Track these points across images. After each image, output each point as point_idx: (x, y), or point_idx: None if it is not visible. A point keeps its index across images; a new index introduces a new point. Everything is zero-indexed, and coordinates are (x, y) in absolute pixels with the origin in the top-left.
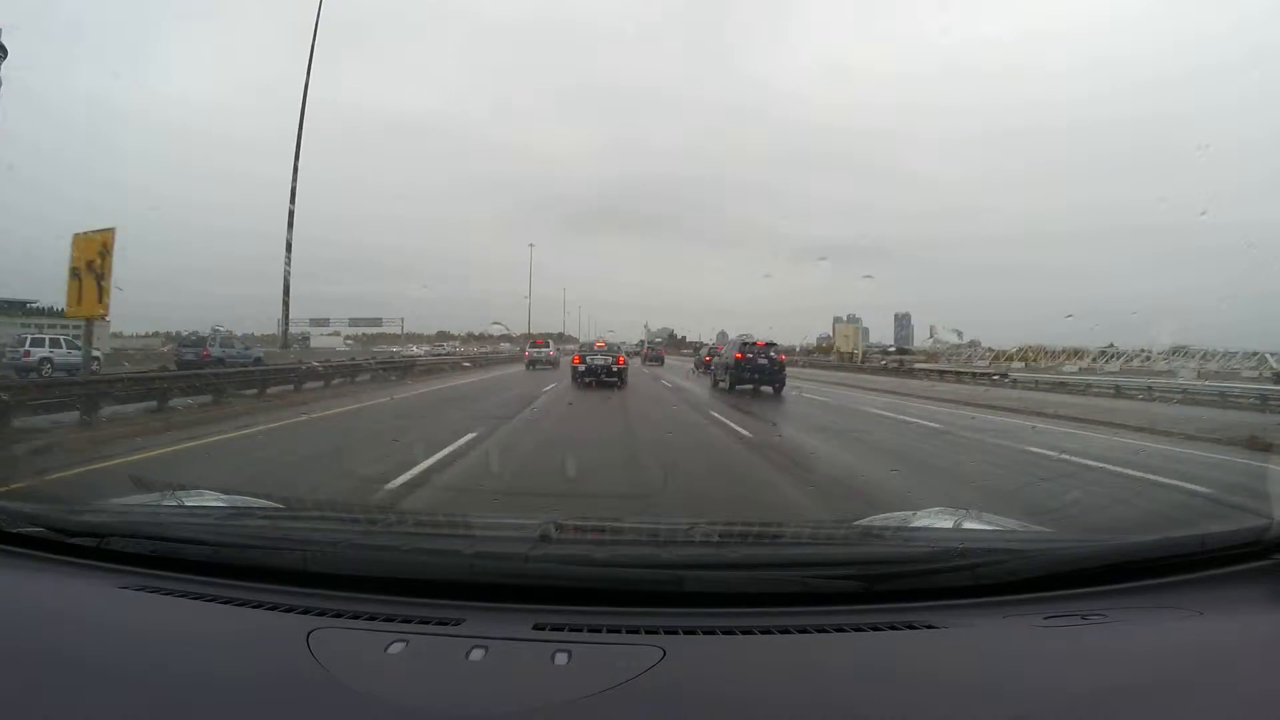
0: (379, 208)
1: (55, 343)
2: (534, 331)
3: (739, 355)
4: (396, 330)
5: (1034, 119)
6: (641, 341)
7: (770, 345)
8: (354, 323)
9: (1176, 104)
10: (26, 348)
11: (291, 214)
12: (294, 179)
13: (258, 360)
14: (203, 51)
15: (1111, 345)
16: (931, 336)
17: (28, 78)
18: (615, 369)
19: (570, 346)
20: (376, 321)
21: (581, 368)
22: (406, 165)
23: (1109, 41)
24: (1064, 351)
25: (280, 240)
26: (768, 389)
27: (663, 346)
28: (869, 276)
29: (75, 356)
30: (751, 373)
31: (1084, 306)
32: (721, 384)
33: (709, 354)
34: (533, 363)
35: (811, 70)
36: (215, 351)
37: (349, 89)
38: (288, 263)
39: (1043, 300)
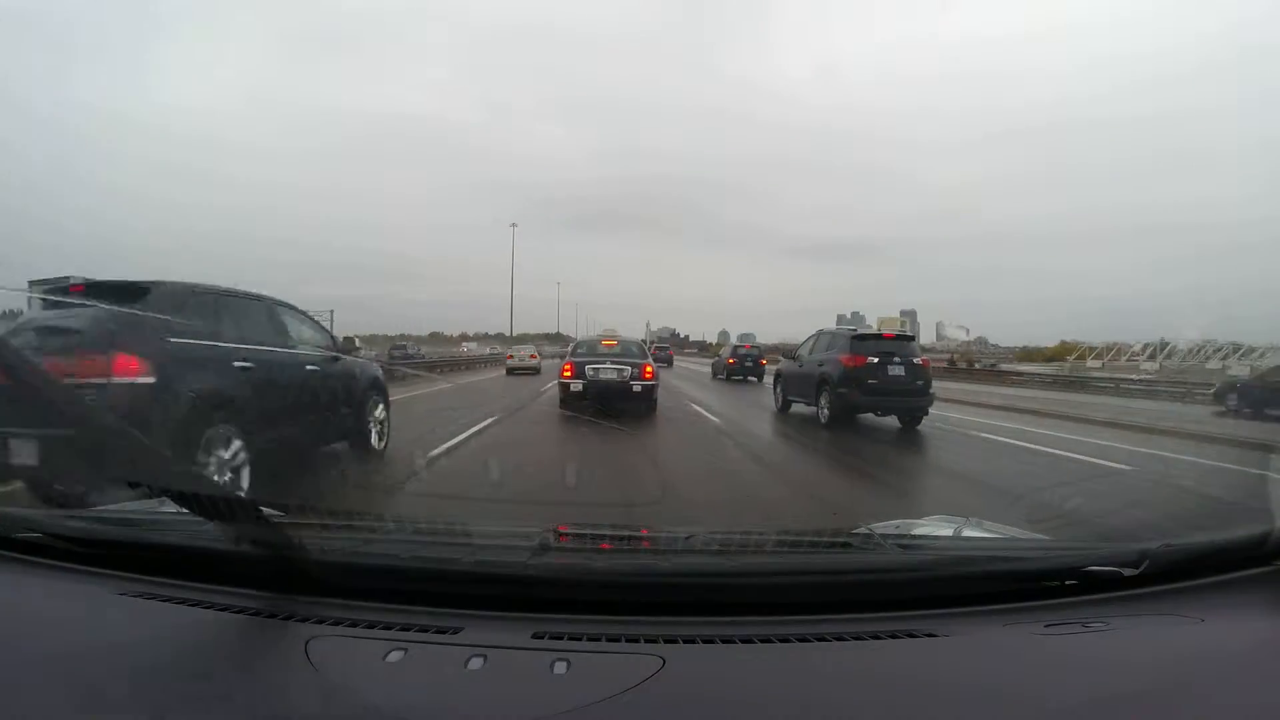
0: (378, 213)
1: None
2: (517, 332)
3: (849, 360)
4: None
5: (1030, 121)
6: (644, 340)
7: (904, 338)
8: None
9: (1177, 103)
10: None
11: None
12: None
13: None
14: (192, 57)
15: (1162, 339)
16: (938, 334)
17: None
18: (639, 387)
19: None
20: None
21: (577, 385)
22: (405, 170)
23: (1111, 40)
24: (1105, 347)
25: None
26: (890, 419)
27: (670, 347)
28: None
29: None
30: (878, 392)
31: (1085, 305)
32: (796, 402)
33: (734, 356)
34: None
35: (809, 73)
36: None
37: (349, 95)
38: None
39: (1043, 298)
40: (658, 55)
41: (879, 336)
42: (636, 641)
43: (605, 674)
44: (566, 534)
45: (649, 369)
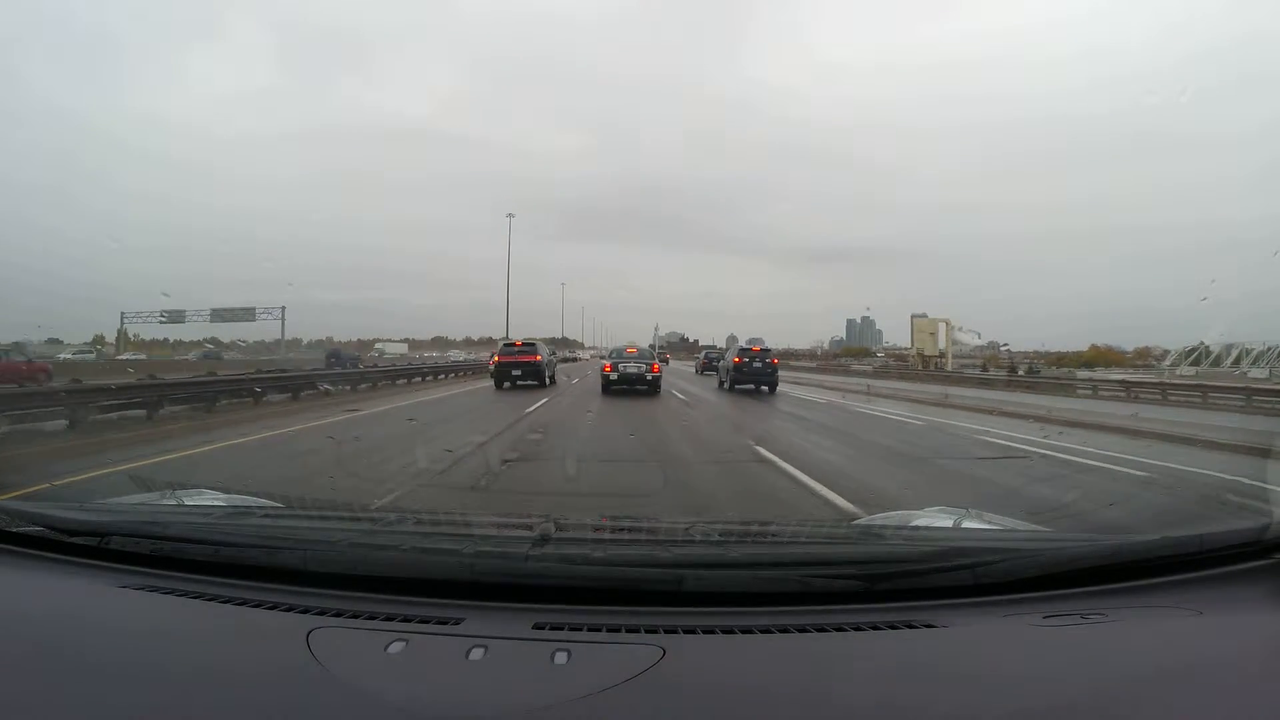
0: (380, 217)
1: None
2: (522, 337)
3: (735, 359)
4: (275, 326)
5: (1032, 117)
6: (651, 345)
7: (765, 350)
8: (216, 315)
9: (1178, 102)
10: None
11: None
12: None
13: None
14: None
15: (1201, 343)
16: (950, 338)
17: None
18: (650, 378)
19: (567, 353)
20: (248, 313)
21: (613, 375)
22: (408, 174)
23: (1097, 36)
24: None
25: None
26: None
27: (667, 352)
28: (868, 308)
29: None
30: (748, 374)
31: (1090, 306)
32: (723, 381)
33: (705, 358)
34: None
35: (815, 71)
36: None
37: (354, 100)
38: None
39: (1045, 300)
40: (661, 57)
41: (751, 349)
42: (637, 632)
43: (606, 664)
44: (566, 524)
45: (656, 366)
